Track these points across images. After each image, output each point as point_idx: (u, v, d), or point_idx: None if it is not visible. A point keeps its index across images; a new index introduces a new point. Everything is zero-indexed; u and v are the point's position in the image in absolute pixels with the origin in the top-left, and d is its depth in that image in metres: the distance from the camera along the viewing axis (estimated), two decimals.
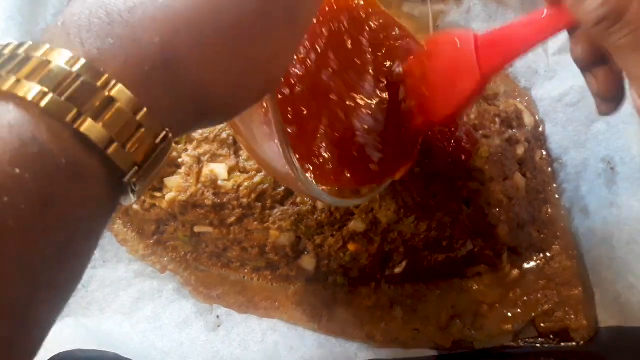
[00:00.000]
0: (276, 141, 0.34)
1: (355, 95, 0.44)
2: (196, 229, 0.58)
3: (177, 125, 0.27)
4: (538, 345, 0.60)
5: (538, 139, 0.69)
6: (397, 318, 0.60)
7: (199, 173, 0.55)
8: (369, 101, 0.45)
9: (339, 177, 0.42)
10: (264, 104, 0.34)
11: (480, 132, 0.60)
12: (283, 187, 0.55)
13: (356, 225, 0.56)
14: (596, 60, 0.35)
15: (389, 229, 0.56)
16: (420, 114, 0.45)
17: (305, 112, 0.41)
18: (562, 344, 0.60)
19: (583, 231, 0.65)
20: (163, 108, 0.25)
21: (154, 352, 0.56)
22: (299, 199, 0.55)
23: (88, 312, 0.57)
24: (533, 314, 0.60)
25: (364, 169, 0.44)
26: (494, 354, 0.59)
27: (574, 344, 0.60)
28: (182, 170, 0.56)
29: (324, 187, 0.42)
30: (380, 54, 0.46)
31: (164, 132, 0.25)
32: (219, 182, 0.55)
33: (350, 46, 0.45)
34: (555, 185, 0.68)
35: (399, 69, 0.46)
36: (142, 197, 0.58)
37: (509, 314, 0.60)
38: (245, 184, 0.55)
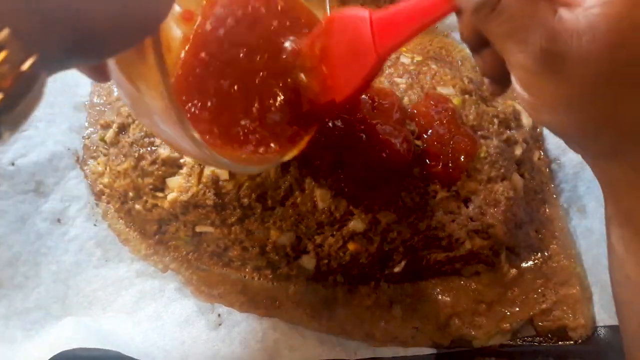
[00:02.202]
0: (162, 90, 0.33)
1: (254, 73, 0.45)
2: (197, 229, 0.58)
3: (48, 54, 0.25)
4: (536, 344, 0.61)
5: (536, 139, 0.69)
6: (396, 317, 0.60)
7: (201, 173, 0.55)
8: (269, 79, 0.46)
9: (225, 145, 0.43)
10: (150, 59, 0.32)
11: (479, 132, 0.60)
12: (283, 188, 0.56)
13: (356, 225, 0.56)
14: (482, 42, 0.36)
15: (389, 228, 0.57)
16: (322, 92, 0.46)
17: (201, 82, 0.42)
18: (560, 343, 0.61)
19: (581, 231, 0.66)
20: (30, 32, 0.24)
21: (156, 350, 0.56)
22: (299, 200, 0.56)
23: (90, 311, 0.57)
24: (531, 313, 0.61)
25: (257, 140, 0.45)
26: (492, 352, 0.60)
27: (571, 342, 0.61)
28: (184, 170, 0.56)
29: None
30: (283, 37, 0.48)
31: (32, 59, 0.24)
32: (220, 183, 0.55)
33: (256, 28, 0.46)
34: (553, 185, 0.68)
35: (293, 45, 0.47)
36: (144, 197, 0.58)
37: (507, 313, 0.61)
38: (246, 184, 0.55)
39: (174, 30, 0.44)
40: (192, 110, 0.42)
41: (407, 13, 0.38)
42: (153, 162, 0.56)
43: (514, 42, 0.32)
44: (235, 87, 0.44)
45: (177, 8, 0.44)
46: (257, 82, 0.45)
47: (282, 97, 0.46)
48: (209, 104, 0.43)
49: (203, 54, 0.43)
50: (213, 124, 0.43)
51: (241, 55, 0.45)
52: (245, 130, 0.44)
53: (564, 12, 0.31)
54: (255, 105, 0.45)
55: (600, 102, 0.32)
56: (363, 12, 0.41)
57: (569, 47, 0.30)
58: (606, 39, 0.30)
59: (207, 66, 0.43)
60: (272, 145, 0.45)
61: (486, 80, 0.40)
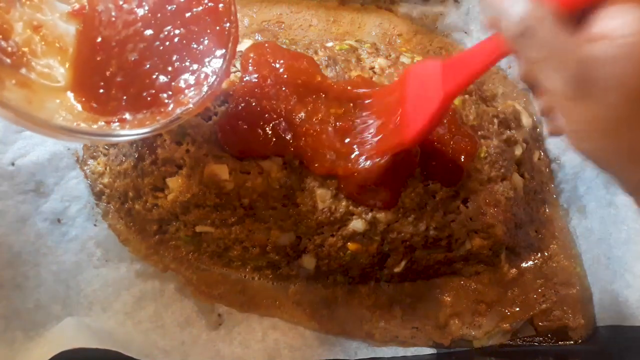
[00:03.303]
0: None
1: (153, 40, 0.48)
2: (198, 229, 0.58)
3: None
4: (536, 344, 0.61)
5: (536, 139, 0.69)
6: (396, 317, 0.60)
7: (201, 173, 0.55)
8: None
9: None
10: None
11: (479, 132, 0.60)
12: (284, 188, 0.56)
13: (356, 225, 0.56)
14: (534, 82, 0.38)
15: (389, 228, 0.57)
16: (390, 135, 0.51)
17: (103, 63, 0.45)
18: (560, 343, 0.61)
19: (581, 231, 0.66)
20: None
21: (156, 350, 0.56)
22: (299, 200, 0.56)
23: (90, 311, 0.58)
24: (531, 313, 0.61)
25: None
26: (492, 352, 0.60)
27: (572, 342, 0.61)
28: (184, 170, 0.56)
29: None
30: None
31: None
32: (221, 183, 0.55)
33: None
34: (553, 185, 0.68)
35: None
36: (144, 197, 0.58)
37: (507, 313, 0.61)
38: (246, 184, 0.55)
39: (64, 29, 0.46)
40: (103, 90, 0.45)
41: (471, 56, 0.44)
42: (153, 162, 0.56)
43: (550, 68, 0.34)
44: (134, 59, 0.46)
45: (64, 7, 0.46)
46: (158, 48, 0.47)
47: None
48: (117, 79, 0.45)
49: (99, 39, 0.46)
50: (123, 97, 0.45)
51: (135, 29, 0.47)
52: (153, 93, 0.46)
53: (593, 44, 0.33)
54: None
55: (636, 126, 0.34)
56: (435, 60, 0.48)
57: (602, 74, 0.32)
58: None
59: (105, 48, 0.46)
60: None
61: (545, 120, 0.43)
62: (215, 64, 0.46)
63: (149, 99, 0.45)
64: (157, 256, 0.61)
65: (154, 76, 0.46)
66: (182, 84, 0.46)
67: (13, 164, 0.60)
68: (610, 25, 0.32)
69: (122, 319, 0.58)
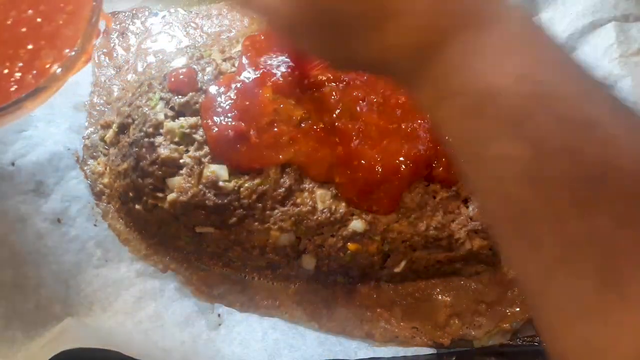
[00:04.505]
0: None
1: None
2: (197, 230, 0.58)
3: None
4: (536, 343, 0.61)
5: None
6: (396, 317, 0.60)
7: (200, 174, 0.55)
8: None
9: None
10: None
11: None
12: (283, 189, 0.56)
13: (356, 225, 0.56)
14: None
15: (389, 229, 0.57)
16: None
17: None
18: None
19: None
20: None
21: (156, 350, 0.56)
22: (299, 200, 0.56)
23: (90, 311, 0.58)
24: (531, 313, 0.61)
25: None
26: (492, 352, 0.60)
27: None
28: (184, 171, 0.56)
29: None
30: None
31: None
32: (220, 183, 0.55)
33: None
34: None
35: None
36: (144, 198, 0.58)
37: (508, 313, 0.61)
38: (246, 185, 0.55)
39: None
40: None
41: None
42: (153, 162, 0.56)
43: None
44: None
45: None
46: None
47: None
48: None
49: None
50: None
51: None
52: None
53: None
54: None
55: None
56: None
57: None
58: None
59: None
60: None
61: None
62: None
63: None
64: (157, 256, 0.61)
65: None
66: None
67: (13, 164, 0.60)
68: None
69: (122, 319, 0.58)
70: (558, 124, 0.28)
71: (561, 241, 0.28)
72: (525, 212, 0.29)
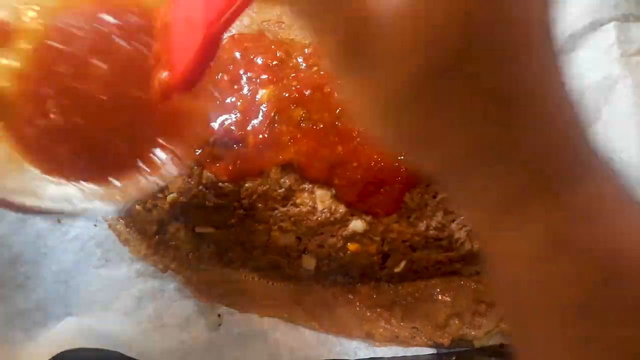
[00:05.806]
0: None
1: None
2: (197, 230, 0.58)
3: None
4: None
5: None
6: (396, 317, 0.60)
7: (200, 174, 0.55)
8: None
9: None
10: None
11: None
12: (284, 189, 0.56)
13: (356, 225, 0.56)
14: None
15: (389, 229, 0.57)
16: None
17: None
18: None
19: None
20: None
21: (156, 350, 0.56)
22: (299, 200, 0.56)
23: (90, 311, 0.58)
24: None
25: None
26: (492, 352, 0.60)
27: None
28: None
29: None
30: None
31: None
32: (220, 184, 0.55)
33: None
34: None
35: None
36: (144, 198, 0.58)
37: None
38: (246, 185, 0.55)
39: None
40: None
41: None
42: None
43: (318, 23, 0.25)
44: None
45: None
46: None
47: None
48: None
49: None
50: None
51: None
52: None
53: None
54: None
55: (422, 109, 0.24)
56: None
57: (380, 38, 0.22)
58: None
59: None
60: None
61: None
62: None
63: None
64: (157, 256, 0.61)
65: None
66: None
67: None
68: None
69: (122, 319, 0.58)
70: None
71: None
72: None
